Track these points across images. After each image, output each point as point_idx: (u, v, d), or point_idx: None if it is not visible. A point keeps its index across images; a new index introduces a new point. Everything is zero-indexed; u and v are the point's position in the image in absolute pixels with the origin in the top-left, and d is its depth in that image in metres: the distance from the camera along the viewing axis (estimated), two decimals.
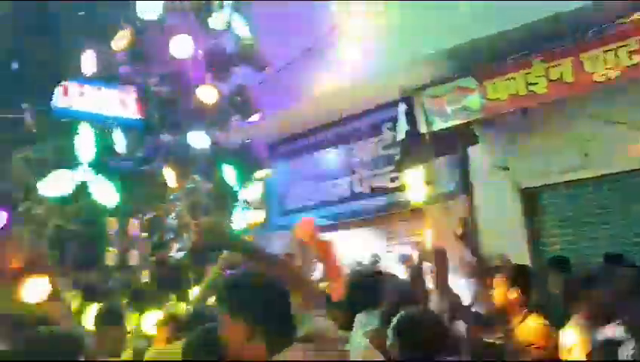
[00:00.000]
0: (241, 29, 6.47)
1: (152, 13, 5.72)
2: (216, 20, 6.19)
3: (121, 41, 5.43)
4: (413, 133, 6.32)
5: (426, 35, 5.84)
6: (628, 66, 5.18)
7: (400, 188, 7.09)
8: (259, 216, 6.69)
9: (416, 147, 6.36)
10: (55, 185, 4.87)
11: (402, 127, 6.36)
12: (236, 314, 2.01)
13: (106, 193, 5.19)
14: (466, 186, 6.62)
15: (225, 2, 6.34)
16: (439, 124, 6.12)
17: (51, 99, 5.08)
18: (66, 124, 5.28)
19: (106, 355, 3.66)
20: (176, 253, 6.87)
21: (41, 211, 5.18)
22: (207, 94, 6.19)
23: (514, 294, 3.58)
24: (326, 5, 6.77)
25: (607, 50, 5.25)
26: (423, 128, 6.27)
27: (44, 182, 4.79)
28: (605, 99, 5.61)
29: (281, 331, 2.03)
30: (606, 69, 5.27)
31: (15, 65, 4.86)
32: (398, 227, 7.35)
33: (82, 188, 5.12)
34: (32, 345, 2.31)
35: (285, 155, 8.38)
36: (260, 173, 6.84)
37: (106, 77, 5.83)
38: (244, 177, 6.66)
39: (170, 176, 6.01)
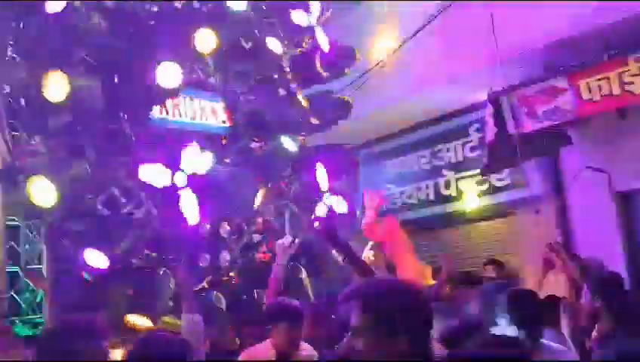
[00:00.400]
0: (323, 38, 6.56)
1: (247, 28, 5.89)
2: (299, 18, 6.29)
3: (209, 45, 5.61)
4: (501, 134, 6.17)
5: (514, 35, 5.70)
6: None
7: (487, 191, 6.97)
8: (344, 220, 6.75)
9: (505, 149, 6.20)
10: (153, 175, 5.04)
11: (490, 128, 6.22)
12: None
13: (194, 199, 5.39)
14: (557, 189, 6.39)
15: (311, 6, 6.46)
16: (529, 126, 5.94)
17: (148, 111, 5.33)
18: (162, 134, 5.53)
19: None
20: (263, 254, 7.08)
21: (141, 215, 5.45)
22: (294, 101, 6.30)
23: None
24: (411, 5, 6.75)
25: None
26: (511, 130, 6.11)
27: (144, 169, 4.96)
28: None
29: None
30: None
31: (115, 78, 5.14)
32: (484, 230, 7.21)
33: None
34: (146, 346, 2.44)
35: (371, 158, 8.40)
36: (345, 176, 6.90)
37: (200, 87, 6.06)
38: (331, 180, 6.73)
39: (257, 180, 6.19)
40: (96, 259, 4.68)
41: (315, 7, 6.62)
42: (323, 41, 6.51)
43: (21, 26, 5.18)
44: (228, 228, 5.87)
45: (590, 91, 5.60)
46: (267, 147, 6.52)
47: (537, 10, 5.51)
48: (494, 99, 6.24)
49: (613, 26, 5.14)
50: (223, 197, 5.73)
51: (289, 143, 6.52)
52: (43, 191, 4.49)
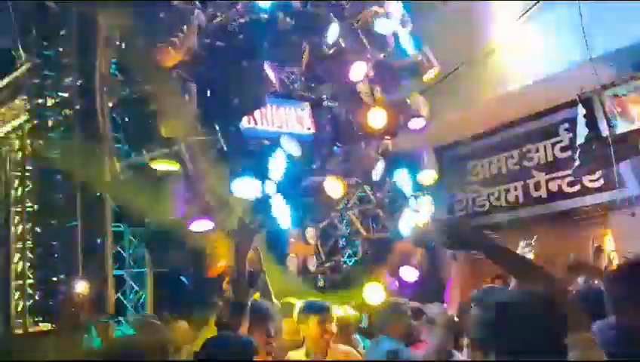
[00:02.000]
0: (407, 41, 6.58)
1: (331, 38, 6.06)
2: (382, 27, 6.35)
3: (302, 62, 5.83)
4: (593, 135, 5.96)
5: (605, 32, 5.50)
6: None
7: (580, 193, 6.75)
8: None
9: (598, 150, 5.99)
10: (244, 189, 5.28)
11: (582, 129, 6.01)
12: None
13: (284, 205, 5.57)
14: None
15: (391, 14, 6.50)
16: (623, 127, 5.70)
17: (240, 121, 5.57)
18: (254, 142, 5.75)
19: None
20: (347, 258, 7.21)
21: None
22: (376, 109, 6.37)
23: None
24: (501, 5, 6.65)
25: None
26: (604, 131, 5.89)
27: (236, 183, 5.21)
28: None
29: None
30: None
31: (210, 91, 5.41)
32: (578, 232, 6.97)
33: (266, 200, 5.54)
34: (212, 348, 2.54)
35: (456, 160, 8.32)
36: (429, 179, 6.89)
37: (285, 95, 6.25)
38: (415, 183, 6.75)
39: (341, 185, 6.30)
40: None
41: (397, 10, 6.67)
42: (407, 45, 6.54)
43: (123, 45, 5.57)
44: (314, 232, 6.04)
45: None
46: (351, 152, 6.64)
47: (627, 9, 5.30)
48: (585, 99, 6.03)
49: None
50: (309, 203, 5.90)
51: (371, 148, 6.61)
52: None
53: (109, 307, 5.59)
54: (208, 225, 5.03)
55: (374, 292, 5.40)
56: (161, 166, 5.25)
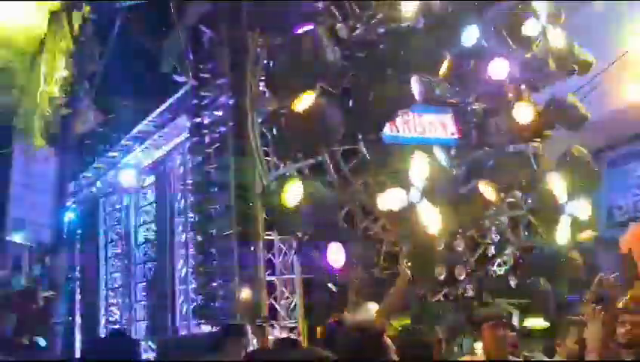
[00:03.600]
0: (556, 38, 6.23)
1: (471, 40, 5.95)
2: (530, 31, 6.09)
3: (443, 67, 5.77)
4: None
5: None
6: None
7: None
8: (588, 230, 6.30)
9: None
10: (390, 201, 5.32)
11: None
12: None
13: (432, 213, 5.50)
14: None
15: (539, 12, 6.20)
16: None
17: (382, 130, 5.62)
18: (397, 151, 5.77)
19: None
20: (497, 267, 6.92)
21: (377, 229, 5.75)
22: (524, 110, 6.10)
23: None
24: None
25: None
26: None
27: (382, 198, 5.28)
28: None
29: None
30: None
31: (351, 102, 5.53)
32: None
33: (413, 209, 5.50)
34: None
35: (612, 163, 7.71)
36: (587, 184, 6.43)
37: (428, 102, 6.19)
38: (571, 189, 6.34)
39: (489, 191, 6.08)
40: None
41: (544, 6, 6.34)
42: (556, 40, 6.19)
43: (270, 63, 5.87)
44: (462, 241, 5.88)
45: None
46: (499, 156, 6.39)
47: None
48: None
49: None
50: (456, 210, 5.76)
51: (520, 151, 6.31)
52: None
53: (264, 311, 5.89)
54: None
55: None
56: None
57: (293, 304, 6.06)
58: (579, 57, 6.28)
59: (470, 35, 5.99)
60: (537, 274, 5.89)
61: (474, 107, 6.49)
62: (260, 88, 6.23)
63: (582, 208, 6.12)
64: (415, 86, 5.36)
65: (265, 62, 6.00)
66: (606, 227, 7.66)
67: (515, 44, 5.98)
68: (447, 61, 5.74)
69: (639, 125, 7.04)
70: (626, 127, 7.06)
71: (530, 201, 6.52)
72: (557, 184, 6.17)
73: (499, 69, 6.04)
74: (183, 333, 8.24)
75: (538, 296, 5.76)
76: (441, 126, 6.28)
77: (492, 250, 6.76)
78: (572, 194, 6.15)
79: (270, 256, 6.32)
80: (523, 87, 6.55)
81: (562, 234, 6.10)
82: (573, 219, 6.01)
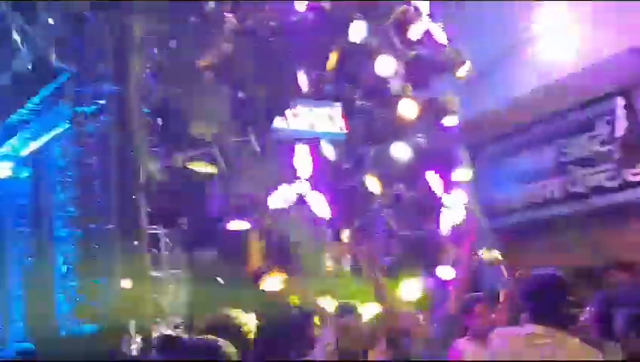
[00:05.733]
0: (439, 36, 6.52)
1: (358, 36, 6.07)
2: (415, 31, 6.34)
3: (330, 62, 5.86)
4: (634, 127, 5.82)
5: None
6: None
7: (621, 187, 6.56)
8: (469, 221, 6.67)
9: (638, 144, 5.84)
10: (280, 198, 5.37)
11: (621, 122, 5.88)
12: None
13: (320, 205, 5.59)
14: None
15: (423, 12, 6.46)
16: None
17: (272, 122, 5.63)
18: (286, 143, 5.80)
19: None
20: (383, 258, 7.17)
21: (269, 221, 5.76)
22: (408, 107, 6.35)
23: None
24: None
25: None
26: None
27: (273, 196, 5.32)
28: None
29: None
30: None
31: (241, 94, 5.50)
32: (617, 229, 6.78)
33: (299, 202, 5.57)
34: None
35: (490, 157, 8.19)
36: (462, 177, 6.81)
37: (317, 96, 6.27)
38: (448, 182, 6.68)
39: (374, 185, 6.28)
40: None
41: (426, 7, 6.62)
42: (435, 42, 6.49)
43: (157, 51, 5.70)
44: (349, 232, 6.04)
45: None
46: (383, 152, 6.62)
47: None
48: (625, 91, 5.90)
49: None
50: (342, 204, 5.91)
51: (404, 147, 6.57)
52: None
53: (149, 307, 5.71)
54: (244, 225, 5.12)
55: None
56: (197, 167, 5.37)
57: (180, 299, 5.93)
58: (458, 56, 6.61)
59: (357, 32, 6.11)
60: (416, 265, 6.16)
61: (361, 103, 6.68)
62: (146, 76, 6.03)
63: (458, 199, 6.50)
64: (304, 80, 5.43)
65: (151, 49, 5.83)
66: (484, 219, 8.12)
67: (400, 44, 6.19)
68: (334, 56, 5.83)
69: (516, 120, 7.48)
70: (503, 121, 7.49)
71: (412, 194, 6.83)
72: (436, 178, 6.50)
73: (385, 66, 6.23)
74: (63, 333, 7.84)
75: None
76: (329, 120, 6.39)
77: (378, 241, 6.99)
78: (450, 187, 6.51)
79: (155, 250, 6.14)
80: (407, 84, 6.82)
81: (442, 225, 6.45)
82: (451, 210, 6.35)
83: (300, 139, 5.97)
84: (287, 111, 5.84)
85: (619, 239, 6.54)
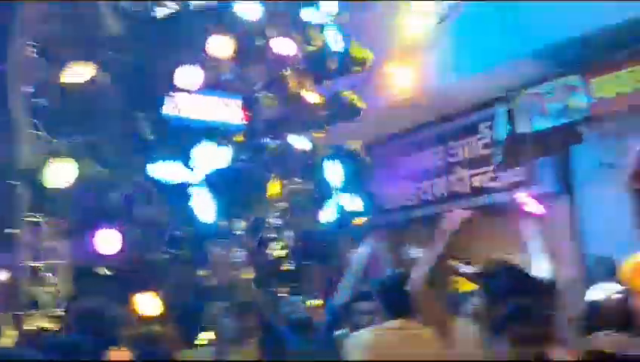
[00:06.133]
0: (337, 34, 6.64)
1: (253, 16, 5.98)
2: (308, 15, 6.39)
3: (223, 48, 5.74)
4: (513, 132, 6.22)
5: (526, 32, 5.70)
6: None
7: (501, 188, 6.99)
8: (359, 215, 6.84)
9: (517, 147, 6.25)
10: (164, 173, 5.23)
11: (502, 126, 6.27)
12: None
13: (209, 196, 5.51)
14: (568, 187, 6.41)
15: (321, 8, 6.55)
16: (541, 124, 5.98)
17: (162, 109, 5.47)
18: (178, 131, 5.66)
19: None
20: (278, 251, 7.20)
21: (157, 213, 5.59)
22: (308, 99, 6.41)
23: None
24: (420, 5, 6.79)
25: None
26: (524, 128, 6.15)
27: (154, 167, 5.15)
28: None
29: None
30: None
31: (129, 78, 5.29)
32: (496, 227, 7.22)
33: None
34: None
35: (383, 155, 8.45)
36: (357, 172, 6.98)
37: (214, 85, 6.16)
38: (343, 177, 6.82)
39: (271, 178, 6.30)
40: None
41: (329, 5, 6.71)
42: (333, 40, 6.59)
43: (43, 29, 5.35)
44: (243, 225, 6.00)
45: (603, 90, 5.62)
46: (281, 145, 6.64)
47: (552, 7, 5.50)
48: (507, 97, 6.29)
49: (628, 23, 5.10)
50: (237, 195, 5.85)
51: (302, 141, 6.63)
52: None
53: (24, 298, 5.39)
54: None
55: None
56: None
57: (59, 291, 5.63)
58: (359, 54, 6.75)
59: (251, 13, 6.02)
60: (310, 257, 6.25)
61: (260, 95, 6.65)
62: (31, 56, 5.66)
63: (352, 196, 6.66)
64: (197, 67, 5.33)
65: (37, 27, 5.47)
66: (375, 214, 8.36)
67: (296, 33, 6.22)
68: (229, 42, 5.72)
69: (409, 121, 7.76)
70: (397, 122, 7.75)
71: (309, 188, 6.91)
72: (332, 172, 6.63)
73: (282, 46, 6.20)
74: None
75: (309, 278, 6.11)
76: (227, 110, 6.30)
77: (273, 234, 7.02)
78: (346, 182, 6.66)
79: (35, 240, 5.79)
80: (307, 78, 6.88)
81: (332, 219, 6.59)
82: (344, 205, 6.50)
83: (195, 128, 5.85)
84: (182, 99, 5.70)
85: (498, 237, 7.00)
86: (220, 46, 5.59)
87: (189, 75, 5.32)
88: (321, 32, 6.60)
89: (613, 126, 5.99)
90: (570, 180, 6.43)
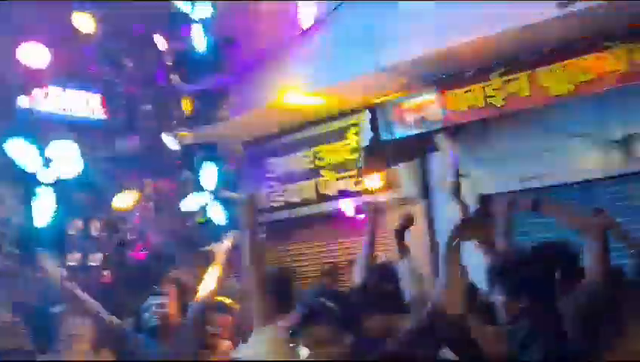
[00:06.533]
0: (201, 34, 6.58)
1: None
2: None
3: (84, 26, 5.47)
4: (375, 140, 6.50)
5: (390, 45, 5.94)
6: (581, 82, 5.39)
7: (364, 192, 7.26)
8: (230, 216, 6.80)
9: (379, 153, 6.54)
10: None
11: (365, 134, 6.54)
12: None
13: (53, 195, 5.21)
14: (424, 193, 6.81)
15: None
16: (400, 133, 6.30)
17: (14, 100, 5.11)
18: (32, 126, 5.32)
19: None
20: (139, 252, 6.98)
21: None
22: (174, 96, 6.28)
23: None
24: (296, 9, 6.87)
25: (563, 66, 5.45)
26: (386, 136, 6.44)
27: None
28: (561, 113, 5.83)
29: None
30: (561, 84, 5.48)
31: None
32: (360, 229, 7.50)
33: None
34: None
35: (253, 157, 8.47)
36: (225, 172, 6.95)
37: (73, 77, 5.86)
38: (211, 177, 6.75)
39: (134, 175, 6.10)
40: None
41: (203, 5, 6.63)
42: (199, 39, 6.52)
43: None
44: (99, 226, 5.76)
45: (457, 103, 6.02)
46: (147, 143, 6.45)
47: (414, 23, 5.77)
48: (370, 106, 6.57)
49: (485, 40, 5.47)
50: (95, 195, 5.61)
51: (170, 140, 6.49)
52: None
53: None
54: None
55: None
56: None
57: None
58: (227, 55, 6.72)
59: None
60: (174, 259, 6.13)
61: (125, 88, 6.43)
62: None
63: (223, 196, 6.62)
64: (45, 55, 5.02)
65: None
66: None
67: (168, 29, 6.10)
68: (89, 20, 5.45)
69: (281, 123, 7.82)
70: (270, 124, 7.79)
71: (175, 187, 6.77)
72: (204, 172, 6.54)
73: (151, 41, 6.04)
74: None
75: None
76: (86, 104, 6.02)
77: (132, 235, 6.79)
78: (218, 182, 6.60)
79: None
80: (176, 76, 6.74)
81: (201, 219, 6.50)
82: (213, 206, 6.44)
83: (51, 122, 5.53)
84: (36, 90, 5.35)
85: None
86: (81, 24, 5.29)
87: (34, 53, 4.97)
88: (193, 29, 6.49)
89: (465, 137, 6.45)
90: (426, 186, 6.82)
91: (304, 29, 6.54)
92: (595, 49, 5.24)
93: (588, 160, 5.98)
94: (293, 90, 6.41)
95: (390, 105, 6.36)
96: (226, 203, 6.64)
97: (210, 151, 7.26)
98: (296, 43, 6.66)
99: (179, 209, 6.81)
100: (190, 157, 6.84)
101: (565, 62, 5.40)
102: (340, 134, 7.46)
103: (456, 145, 6.49)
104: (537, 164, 6.19)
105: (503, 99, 5.80)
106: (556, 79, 5.49)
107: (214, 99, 7.01)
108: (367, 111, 6.56)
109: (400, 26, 5.85)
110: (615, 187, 5.93)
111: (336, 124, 7.46)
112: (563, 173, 6.06)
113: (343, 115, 7.25)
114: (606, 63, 5.21)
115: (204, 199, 6.44)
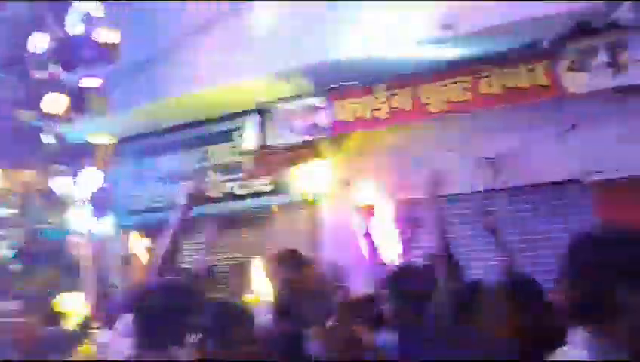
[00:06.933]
0: (98, 23, 6.29)
1: None
2: (72, 15, 5.98)
3: None
4: (264, 144, 6.53)
5: (283, 51, 6.00)
6: (458, 101, 5.77)
7: (250, 195, 7.25)
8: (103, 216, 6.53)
9: (267, 157, 6.57)
10: None
11: (253, 137, 6.55)
12: None
13: None
14: (311, 198, 6.93)
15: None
16: (289, 138, 6.37)
17: None
18: None
19: None
20: (7, 250, 6.52)
21: None
22: (49, 87, 5.95)
23: None
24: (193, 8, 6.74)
25: (443, 85, 5.80)
26: (274, 140, 6.49)
27: None
28: (441, 128, 6.16)
29: None
30: (439, 102, 5.83)
31: None
32: (248, 232, 7.51)
33: None
34: None
35: (134, 154, 8.17)
36: (100, 172, 6.69)
37: None
38: (86, 176, 6.46)
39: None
40: None
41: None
42: (75, 27, 6.23)
43: None
44: None
45: (344, 113, 6.20)
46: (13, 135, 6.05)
47: (308, 32, 5.87)
48: (261, 110, 6.59)
49: (370, 56, 5.67)
50: None
51: (40, 134, 6.13)
52: None
53: None
54: None
55: None
56: None
57: None
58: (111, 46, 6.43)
59: None
60: (41, 261, 5.80)
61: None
62: None
63: (97, 194, 6.34)
64: None
65: None
66: (123, 215, 8.03)
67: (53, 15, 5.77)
68: None
69: (164, 121, 7.61)
70: (152, 121, 7.55)
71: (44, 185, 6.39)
72: (71, 170, 6.24)
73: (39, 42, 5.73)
74: None
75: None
76: None
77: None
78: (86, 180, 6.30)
79: None
80: (56, 65, 6.36)
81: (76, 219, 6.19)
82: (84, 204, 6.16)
83: None
84: None
85: (245, 240, 7.33)
86: None
87: None
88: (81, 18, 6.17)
89: (353, 145, 6.65)
90: (313, 193, 6.92)
91: (197, 27, 6.42)
92: (471, 71, 5.63)
93: (458, 175, 6.35)
94: (182, 89, 6.28)
95: (279, 111, 6.42)
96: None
97: (85, 146, 6.94)
98: (187, 41, 6.52)
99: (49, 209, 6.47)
100: (65, 151, 6.50)
101: (445, 81, 5.76)
102: (229, 135, 7.39)
103: (343, 152, 6.68)
104: (415, 175, 6.48)
105: (387, 113, 6.06)
106: (435, 97, 5.84)
107: (95, 92, 6.69)
108: (257, 114, 6.57)
109: (294, 33, 5.94)
110: (483, 201, 6.32)
111: (225, 125, 7.39)
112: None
113: (231, 116, 7.19)
114: (481, 86, 5.62)
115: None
